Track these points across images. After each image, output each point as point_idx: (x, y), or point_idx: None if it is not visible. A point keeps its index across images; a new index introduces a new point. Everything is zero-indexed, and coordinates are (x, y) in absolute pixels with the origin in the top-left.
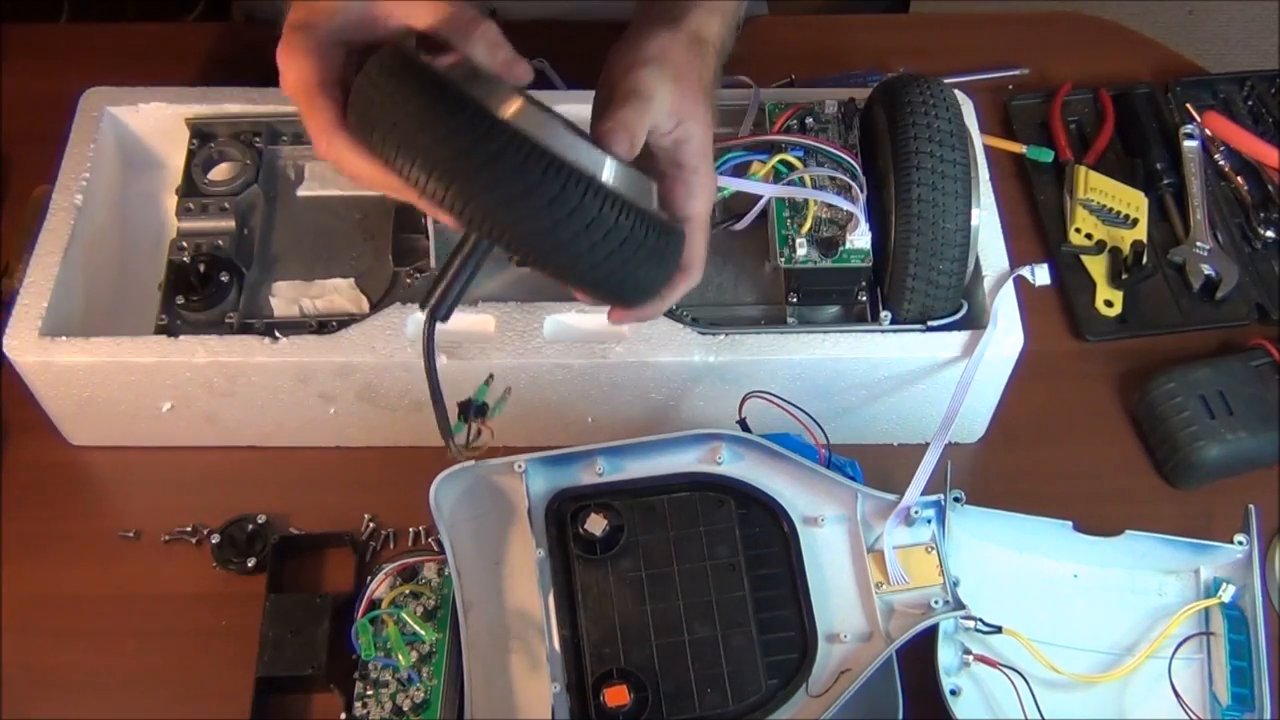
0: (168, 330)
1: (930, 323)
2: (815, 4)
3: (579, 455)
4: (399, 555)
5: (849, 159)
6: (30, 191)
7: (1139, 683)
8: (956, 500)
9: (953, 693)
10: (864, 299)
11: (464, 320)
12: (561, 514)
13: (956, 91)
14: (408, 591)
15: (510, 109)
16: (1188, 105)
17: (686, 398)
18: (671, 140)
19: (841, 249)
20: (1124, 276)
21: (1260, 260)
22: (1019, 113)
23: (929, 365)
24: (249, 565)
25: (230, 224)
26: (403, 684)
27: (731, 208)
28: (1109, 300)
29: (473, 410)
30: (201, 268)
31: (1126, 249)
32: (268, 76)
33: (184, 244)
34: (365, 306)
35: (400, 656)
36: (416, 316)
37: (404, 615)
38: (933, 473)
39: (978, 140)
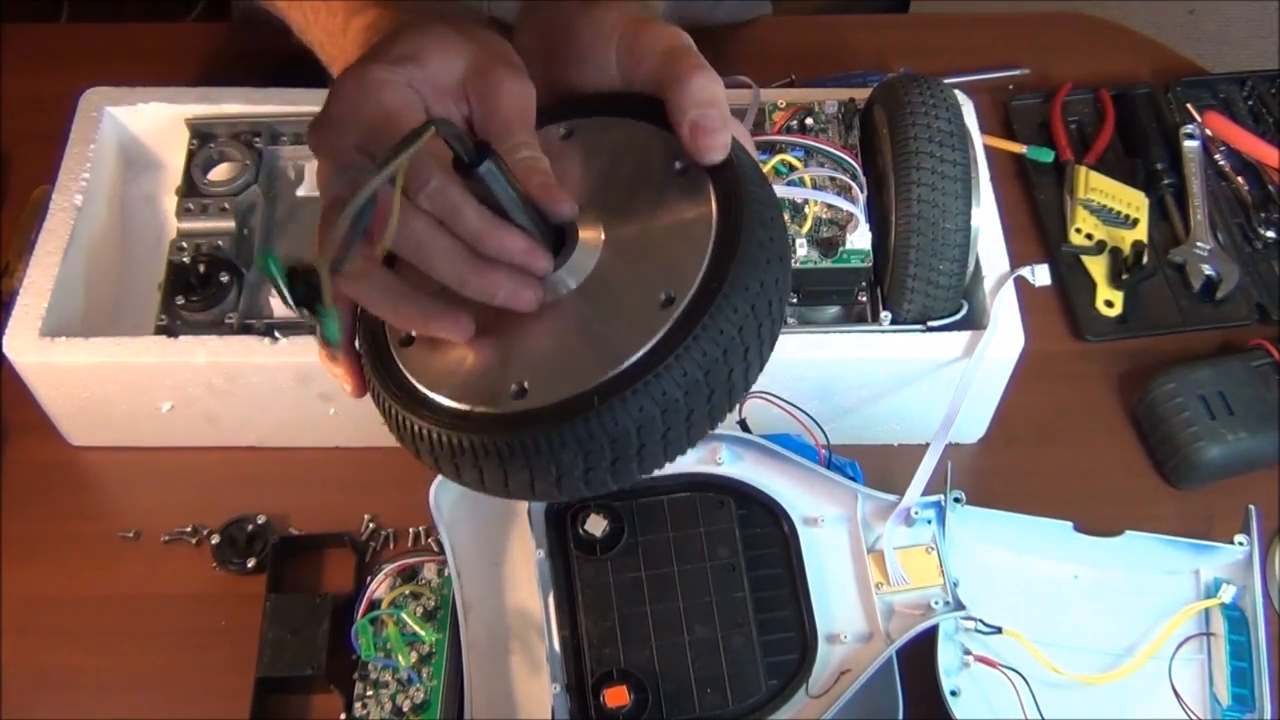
0: (168, 330)
1: (930, 323)
2: (815, 4)
3: None
4: (399, 556)
5: (849, 159)
6: (30, 191)
7: (1139, 683)
8: (956, 501)
9: (953, 693)
10: (864, 299)
11: None
12: (561, 515)
13: (956, 91)
14: (408, 592)
15: None
16: (1188, 105)
17: None
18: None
19: (841, 249)
20: (1124, 277)
21: (1260, 260)
22: (1019, 113)
23: (929, 365)
24: (249, 565)
25: (230, 224)
26: (403, 684)
27: None
28: (1109, 300)
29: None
30: (201, 268)
31: (1127, 249)
32: (268, 77)
33: (184, 244)
34: None
35: (400, 657)
36: None
37: (404, 616)
38: (933, 473)
39: (978, 140)
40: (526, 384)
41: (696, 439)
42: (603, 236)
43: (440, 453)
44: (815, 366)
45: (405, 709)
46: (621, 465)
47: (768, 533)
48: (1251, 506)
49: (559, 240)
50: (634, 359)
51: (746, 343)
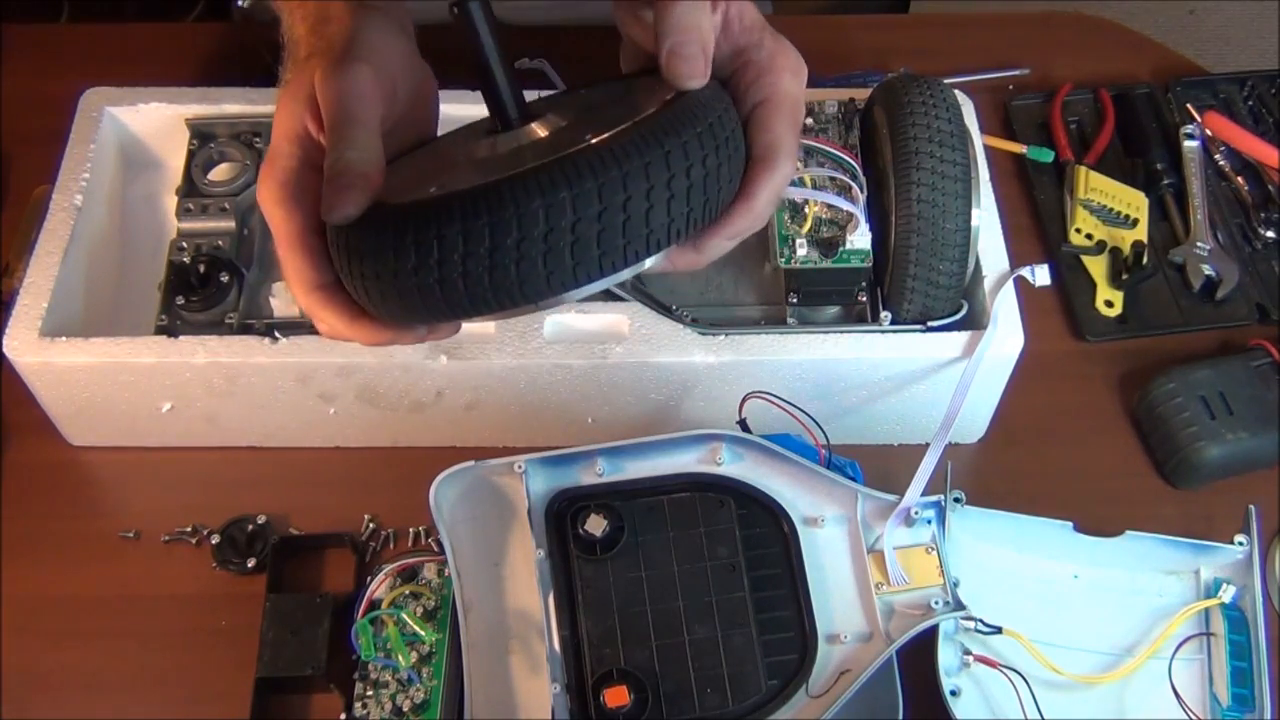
0: (168, 330)
1: (930, 323)
2: (815, 4)
3: (579, 455)
4: (399, 555)
5: (849, 159)
6: (30, 191)
7: (1139, 683)
8: (956, 501)
9: (953, 693)
10: (864, 299)
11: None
12: (561, 514)
13: (956, 91)
14: (408, 592)
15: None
16: (1188, 105)
17: (686, 398)
18: (719, 24)
19: (841, 249)
20: (1124, 277)
21: (1260, 260)
22: (1019, 113)
23: (929, 365)
24: (249, 565)
25: (230, 224)
26: (403, 684)
27: None
28: (1109, 300)
29: None
30: (201, 268)
31: (1127, 249)
32: (267, 77)
33: (184, 244)
34: None
35: (400, 657)
36: None
37: (404, 616)
38: (933, 473)
39: (978, 140)
40: (445, 188)
41: (553, 267)
42: (564, 124)
43: (350, 241)
44: (815, 366)
45: (405, 709)
46: (473, 266)
47: (768, 533)
48: (1251, 506)
49: (526, 117)
50: (528, 167)
51: (628, 193)
